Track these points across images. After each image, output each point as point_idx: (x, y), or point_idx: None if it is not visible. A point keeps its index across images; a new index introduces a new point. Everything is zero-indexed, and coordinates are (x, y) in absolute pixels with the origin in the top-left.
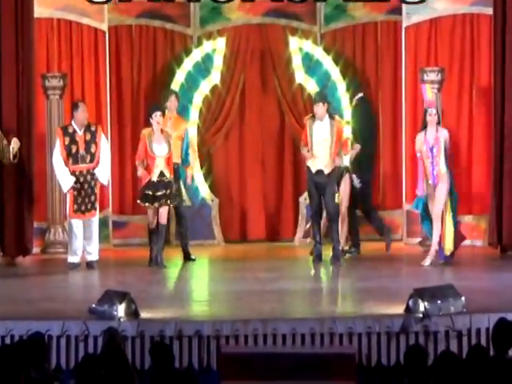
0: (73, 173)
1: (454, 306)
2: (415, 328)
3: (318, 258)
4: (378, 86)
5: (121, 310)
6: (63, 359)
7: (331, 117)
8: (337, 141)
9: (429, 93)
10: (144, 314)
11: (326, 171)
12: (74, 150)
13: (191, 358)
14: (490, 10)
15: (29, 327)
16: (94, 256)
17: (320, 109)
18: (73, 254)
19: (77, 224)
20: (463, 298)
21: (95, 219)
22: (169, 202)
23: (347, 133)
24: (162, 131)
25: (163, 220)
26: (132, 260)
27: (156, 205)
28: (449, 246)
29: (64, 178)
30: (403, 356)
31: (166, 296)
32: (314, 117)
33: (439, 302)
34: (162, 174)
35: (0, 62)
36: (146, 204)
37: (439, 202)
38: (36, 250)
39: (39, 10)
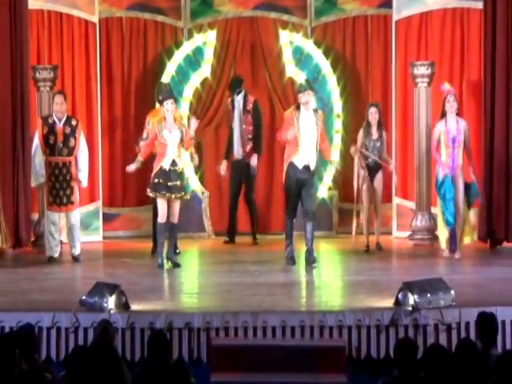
0: (48, 163)
1: (444, 299)
2: (405, 321)
3: (291, 259)
4: (369, 79)
5: (111, 301)
6: (53, 351)
7: (315, 109)
8: (322, 133)
9: (446, 86)
10: (134, 306)
11: (312, 167)
12: (51, 140)
13: (181, 350)
14: (480, 4)
15: (19, 319)
16: (77, 250)
17: (309, 97)
18: (51, 248)
19: (52, 216)
20: (452, 292)
21: (75, 213)
22: (181, 195)
23: (337, 126)
24: (175, 119)
25: (175, 219)
26: (122, 252)
27: (167, 195)
28: (470, 236)
29: (34, 172)
30: (393, 349)
31: (156, 288)
32: (298, 108)
33: (429, 295)
34: (174, 162)
35: None
36: (157, 195)
37: (461, 194)
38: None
39: (30, 2)
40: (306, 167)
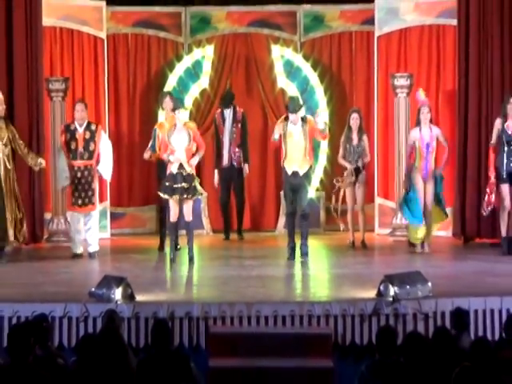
0: (71, 167)
1: (422, 290)
2: (386, 311)
3: (291, 255)
4: (353, 89)
5: (118, 293)
6: (65, 338)
7: (303, 120)
8: (310, 140)
9: (421, 94)
10: (139, 297)
11: (301, 172)
12: (73, 146)
13: (182, 338)
14: (454, 22)
15: (34, 309)
16: (94, 247)
17: (296, 117)
18: (73, 244)
19: (74, 216)
20: (430, 284)
21: (94, 213)
22: (190, 196)
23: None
24: (185, 124)
25: (189, 217)
26: (128, 248)
27: (176, 197)
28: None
29: (60, 175)
30: (375, 336)
31: (159, 281)
32: (286, 119)
33: (408, 287)
34: (181, 166)
35: (12, 67)
36: (166, 196)
37: (431, 196)
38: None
39: (44, 19)
40: (295, 173)
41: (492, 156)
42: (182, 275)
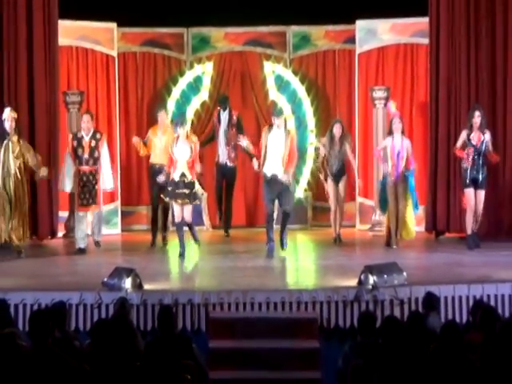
0: (78, 172)
1: (397, 279)
2: (366, 297)
3: (270, 252)
4: (336, 101)
5: (128, 282)
6: (81, 323)
7: (287, 130)
8: (290, 151)
9: (393, 107)
10: (147, 286)
11: (280, 175)
12: (80, 152)
13: (185, 322)
14: (426, 41)
15: (53, 297)
16: (98, 237)
17: (281, 121)
18: (79, 241)
19: (82, 215)
20: (405, 273)
21: (98, 211)
22: (190, 200)
23: (311, 139)
24: (187, 137)
25: (189, 218)
26: (137, 243)
27: (179, 201)
28: (410, 234)
29: (65, 180)
30: (357, 320)
31: (164, 271)
32: (270, 127)
33: (385, 276)
34: (183, 174)
35: (33, 82)
36: (167, 199)
37: (402, 198)
38: (59, 234)
39: (61, 40)
40: (275, 176)
41: (459, 153)
42: (185, 267)
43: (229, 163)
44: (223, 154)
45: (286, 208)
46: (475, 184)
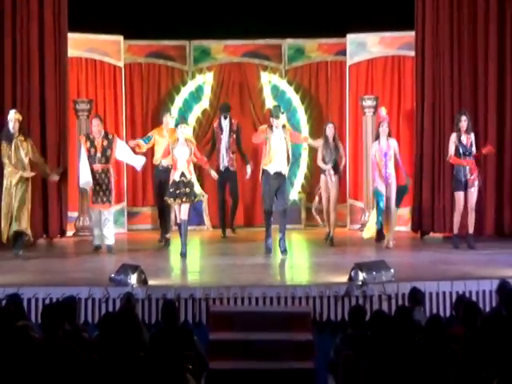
0: (91, 170)
1: (385, 276)
2: (356, 293)
3: (269, 249)
4: (328, 109)
5: (133, 278)
6: (90, 316)
7: (283, 127)
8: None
9: (383, 111)
10: (151, 282)
11: (284, 172)
12: (92, 152)
13: (187, 315)
14: (412, 53)
15: (63, 292)
16: (110, 240)
17: (279, 122)
18: (95, 238)
19: (95, 213)
20: (392, 270)
21: (111, 210)
22: (189, 199)
23: (305, 145)
24: (186, 139)
25: (184, 216)
26: (142, 241)
27: (178, 201)
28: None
29: (82, 175)
30: (347, 314)
31: (167, 268)
32: (270, 128)
33: (374, 273)
34: (182, 174)
35: (44, 90)
36: (170, 200)
37: (394, 198)
38: (69, 233)
39: (71, 51)
40: (278, 173)
41: (454, 161)
42: (187, 264)
43: (231, 168)
44: (225, 160)
45: (283, 204)
46: (466, 185)
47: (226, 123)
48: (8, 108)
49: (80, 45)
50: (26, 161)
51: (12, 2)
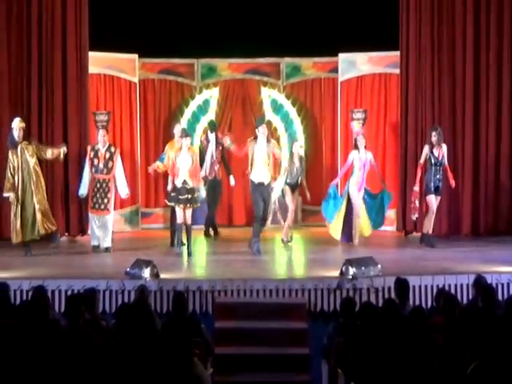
0: (93, 179)
1: (373, 271)
2: (347, 286)
3: (258, 251)
4: (321, 121)
5: (147, 272)
6: (107, 306)
7: (268, 140)
8: (273, 159)
9: (356, 126)
10: (163, 275)
11: (266, 182)
12: (95, 162)
13: (194, 306)
14: (397, 71)
15: (83, 284)
16: (107, 243)
17: (264, 129)
18: (92, 239)
19: (92, 217)
20: (379, 266)
21: (109, 217)
22: (192, 205)
23: (301, 153)
24: (189, 149)
25: (188, 221)
26: (155, 239)
27: (181, 206)
28: (366, 233)
29: (83, 185)
30: (339, 305)
31: (177, 263)
32: (255, 139)
33: (363, 268)
34: (184, 181)
35: (67, 103)
36: (172, 204)
37: (361, 201)
38: (89, 232)
39: (91, 68)
40: (261, 183)
41: (419, 172)
42: (195, 259)
43: (217, 177)
44: (212, 170)
45: (266, 212)
46: (436, 191)
47: (212, 136)
48: (35, 119)
49: (99, 63)
50: (33, 162)
51: (38, 23)
